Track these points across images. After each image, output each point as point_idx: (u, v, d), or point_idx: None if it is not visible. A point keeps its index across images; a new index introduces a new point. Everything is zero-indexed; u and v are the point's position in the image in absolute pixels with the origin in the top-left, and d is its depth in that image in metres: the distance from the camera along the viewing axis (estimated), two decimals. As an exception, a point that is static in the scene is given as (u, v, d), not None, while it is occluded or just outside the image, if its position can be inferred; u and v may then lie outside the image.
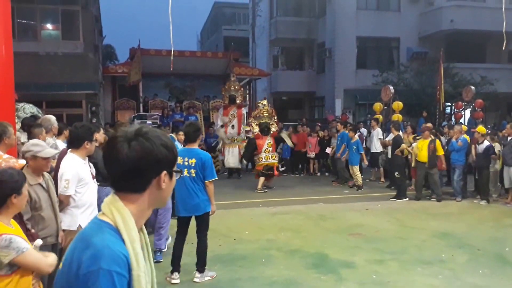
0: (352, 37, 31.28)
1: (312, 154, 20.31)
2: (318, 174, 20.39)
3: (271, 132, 17.24)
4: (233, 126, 19.85)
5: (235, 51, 28.00)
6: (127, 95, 26.47)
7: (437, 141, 14.50)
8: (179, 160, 7.25)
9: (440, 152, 14.40)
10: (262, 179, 16.52)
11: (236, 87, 19.42)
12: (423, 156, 14.43)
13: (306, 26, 34.18)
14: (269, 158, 16.74)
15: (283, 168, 19.74)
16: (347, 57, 31.05)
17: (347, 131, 17.35)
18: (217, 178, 7.39)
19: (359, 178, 16.78)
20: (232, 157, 19.33)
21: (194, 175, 7.19)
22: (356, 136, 17.52)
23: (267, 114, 17.53)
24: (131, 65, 24.41)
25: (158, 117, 22.83)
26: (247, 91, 29.23)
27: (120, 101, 26.49)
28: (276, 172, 17.26)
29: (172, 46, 13.36)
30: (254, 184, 16.81)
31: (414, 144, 14.95)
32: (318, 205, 13.83)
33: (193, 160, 7.18)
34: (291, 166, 21.09)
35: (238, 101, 20.06)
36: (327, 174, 20.32)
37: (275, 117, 18.01)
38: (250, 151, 17.19)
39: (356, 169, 16.81)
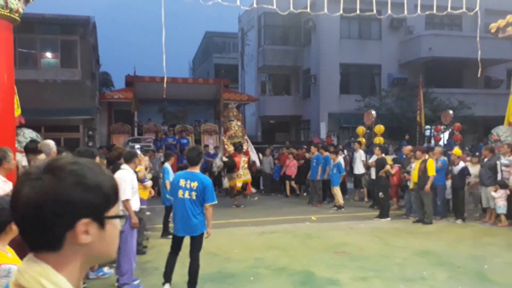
0: (336, 64, 31.49)
1: (291, 176, 20.21)
2: (305, 194, 20.26)
3: (243, 150, 17.79)
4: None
5: (225, 78, 28.22)
6: (122, 120, 26.55)
7: (429, 161, 14.05)
8: (182, 182, 7.25)
9: (431, 172, 13.85)
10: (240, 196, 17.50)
11: (235, 113, 19.48)
12: (415, 176, 14.31)
13: (292, 54, 34.45)
14: (246, 175, 17.49)
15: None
16: (331, 83, 31.23)
17: (326, 153, 17.43)
18: (217, 202, 7.37)
19: (340, 198, 16.77)
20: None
21: (194, 197, 7.18)
22: (340, 158, 17.63)
23: (241, 134, 18.23)
24: (132, 95, 24.68)
25: (152, 140, 22.86)
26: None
27: (115, 125, 26.54)
28: (249, 190, 17.86)
29: (165, 73, 13.38)
30: (243, 203, 17.45)
31: (412, 165, 14.84)
32: (305, 224, 13.82)
33: (195, 184, 7.17)
34: (279, 187, 21.10)
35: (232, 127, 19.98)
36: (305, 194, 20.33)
37: (246, 136, 18.73)
38: (231, 169, 17.45)
39: (337, 190, 16.85)
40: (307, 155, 20.09)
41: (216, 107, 28.88)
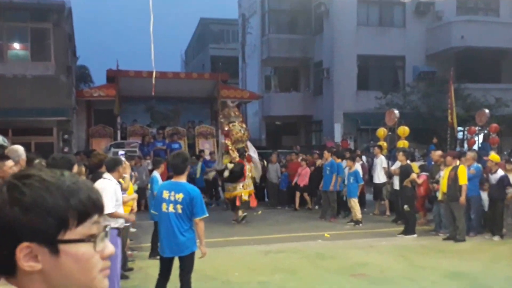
0: (353, 56, 31.53)
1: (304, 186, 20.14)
2: (316, 207, 20.24)
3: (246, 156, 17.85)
4: None
5: (223, 72, 28.29)
6: (103, 121, 26.58)
7: (461, 168, 13.96)
8: (165, 194, 7.23)
9: (463, 181, 13.75)
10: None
11: (236, 112, 19.49)
12: (445, 185, 14.17)
13: (301, 44, 34.48)
14: (250, 185, 17.60)
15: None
16: (347, 77, 31.26)
17: (339, 161, 17.47)
18: (208, 215, 7.33)
19: (358, 211, 16.74)
20: None
21: (180, 211, 7.11)
22: (358, 165, 17.60)
23: (246, 138, 18.32)
24: (115, 92, 24.78)
25: (138, 145, 22.87)
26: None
27: (95, 128, 26.60)
28: (254, 202, 17.85)
29: (154, 67, 13.42)
30: (254, 222, 17.21)
31: (441, 173, 14.71)
32: (316, 242, 13.82)
33: (181, 195, 7.10)
34: (287, 199, 21.05)
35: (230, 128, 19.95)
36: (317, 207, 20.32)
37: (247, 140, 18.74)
38: (237, 178, 17.28)
39: (354, 202, 16.81)
40: (318, 161, 20.04)
41: (213, 106, 28.93)
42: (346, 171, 17.25)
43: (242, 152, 17.64)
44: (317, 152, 21.87)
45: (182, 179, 7.32)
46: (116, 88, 25.16)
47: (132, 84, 25.67)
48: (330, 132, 30.92)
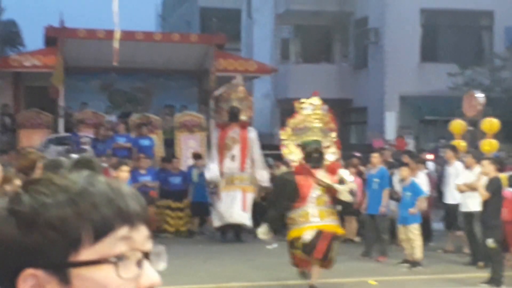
0: (414, 11, 31.51)
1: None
2: (356, 239, 20.19)
3: (327, 162, 14.37)
4: (233, 157, 19.79)
5: (218, 32, 28.13)
6: (38, 104, 26.49)
7: None
8: None
9: None
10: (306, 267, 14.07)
11: (241, 94, 19.26)
12: None
13: (336, -8, 34.45)
14: (328, 215, 13.83)
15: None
16: (406, 42, 31.28)
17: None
18: None
19: (419, 246, 16.29)
20: (232, 206, 18.94)
21: None
22: (420, 175, 17.46)
23: (321, 125, 14.97)
24: (57, 61, 24.60)
25: (89, 141, 22.76)
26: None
27: (26, 113, 26.51)
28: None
29: (116, 23, 13.28)
30: (265, 261, 16.53)
31: None
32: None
33: None
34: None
35: (242, 117, 19.87)
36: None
37: (333, 133, 15.22)
38: (286, 200, 13.83)
39: (415, 231, 16.30)
40: (362, 169, 19.91)
41: (203, 83, 28.86)
42: (397, 182, 17.12)
43: (311, 153, 14.21)
44: (358, 155, 21.63)
45: None
46: (58, 55, 25.00)
47: (82, 50, 25.60)
48: (379, 125, 30.90)
